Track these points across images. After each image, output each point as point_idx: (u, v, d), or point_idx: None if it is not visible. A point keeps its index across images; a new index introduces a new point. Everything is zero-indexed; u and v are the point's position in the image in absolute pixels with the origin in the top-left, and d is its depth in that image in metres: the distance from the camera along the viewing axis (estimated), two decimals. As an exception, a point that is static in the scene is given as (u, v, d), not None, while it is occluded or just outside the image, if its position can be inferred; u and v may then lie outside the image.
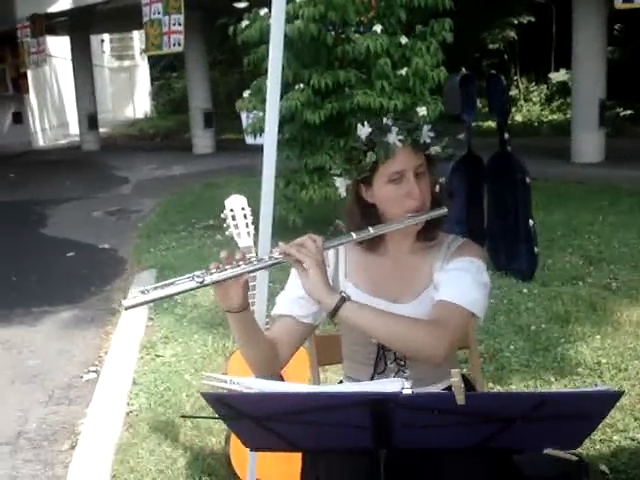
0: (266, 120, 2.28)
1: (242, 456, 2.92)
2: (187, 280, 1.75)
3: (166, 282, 1.74)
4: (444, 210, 2.00)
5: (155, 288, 1.73)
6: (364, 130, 2.00)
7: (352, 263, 2.12)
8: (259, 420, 1.46)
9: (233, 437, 3.05)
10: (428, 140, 2.00)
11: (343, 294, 1.85)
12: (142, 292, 1.72)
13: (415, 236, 2.07)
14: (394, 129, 1.96)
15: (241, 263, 1.80)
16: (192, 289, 1.76)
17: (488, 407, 1.40)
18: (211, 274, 1.77)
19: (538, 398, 1.36)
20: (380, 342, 1.99)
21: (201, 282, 1.74)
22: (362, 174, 2.00)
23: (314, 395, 1.45)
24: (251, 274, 2.63)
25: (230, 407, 1.44)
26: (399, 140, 1.95)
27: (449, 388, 2.02)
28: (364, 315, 1.87)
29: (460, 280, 1.96)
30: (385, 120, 2.01)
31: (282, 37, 2.16)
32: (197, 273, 1.76)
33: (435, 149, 2.03)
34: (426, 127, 2.00)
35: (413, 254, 2.09)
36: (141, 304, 1.73)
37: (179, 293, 1.77)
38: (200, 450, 3.60)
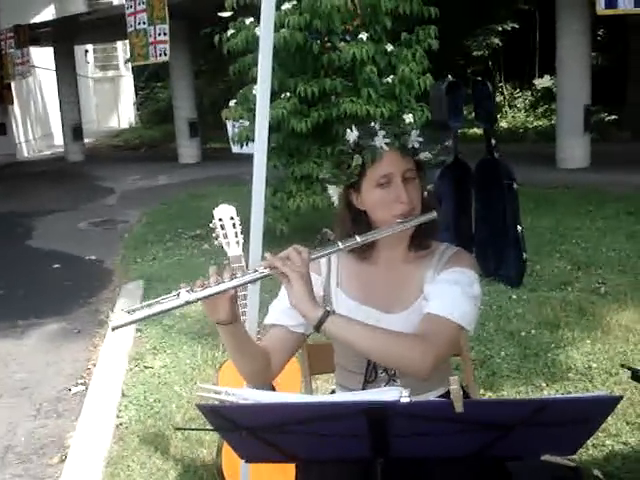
0: (256, 130, 2.27)
1: (234, 468, 2.90)
2: (173, 298, 1.76)
3: (151, 301, 1.75)
4: (433, 214, 1.98)
5: (142, 307, 1.74)
6: (352, 134, 2.01)
7: (344, 271, 2.10)
8: (255, 431, 1.44)
9: (225, 448, 3.02)
10: (417, 145, 2.00)
11: (327, 308, 1.85)
12: (128, 312, 1.73)
13: (407, 244, 2.06)
14: (381, 133, 1.96)
15: (226, 279, 1.79)
16: (178, 307, 1.77)
17: (487, 414, 1.39)
18: (196, 291, 1.77)
19: (537, 404, 1.35)
20: (365, 356, 1.97)
21: (186, 300, 1.75)
22: (350, 179, 2.00)
23: (311, 405, 1.44)
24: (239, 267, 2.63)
25: (225, 418, 1.42)
26: (386, 143, 1.95)
27: (443, 396, 2.01)
28: (348, 329, 1.86)
29: (450, 293, 1.94)
30: (373, 124, 2.01)
31: (271, 46, 2.15)
32: (182, 291, 1.76)
33: (425, 155, 2.02)
34: (414, 132, 2.00)
35: (405, 263, 2.07)
36: (128, 324, 1.75)
37: (165, 311, 1.77)
38: (191, 462, 3.57)
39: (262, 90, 2.19)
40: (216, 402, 1.60)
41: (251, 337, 2.06)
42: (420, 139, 2.00)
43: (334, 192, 2.08)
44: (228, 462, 3.02)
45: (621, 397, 1.36)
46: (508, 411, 1.39)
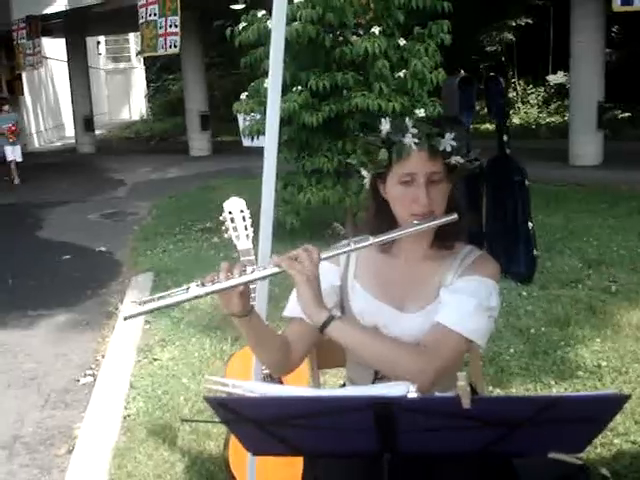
0: (267, 123, 2.26)
1: (241, 460, 2.90)
2: (183, 291, 1.78)
3: (162, 294, 1.78)
4: (453, 216, 1.92)
5: (153, 299, 1.76)
6: (384, 126, 1.96)
7: (363, 262, 2.09)
8: (262, 424, 1.44)
9: (232, 441, 3.02)
10: (449, 148, 1.92)
11: (332, 312, 1.84)
12: (140, 303, 1.75)
13: (430, 242, 2.03)
14: (412, 131, 1.91)
15: (236, 275, 1.79)
16: (188, 300, 1.80)
17: (494, 411, 1.37)
18: (205, 285, 1.78)
19: (545, 402, 1.34)
20: (365, 363, 1.96)
21: (196, 294, 1.78)
22: (377, 170, 1.97)
23: (318, 399, 1.43)
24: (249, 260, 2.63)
25: (232, 411, 1.41)
26: (414, 143, 1.90)
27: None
28: (351, 335, 1.85)
29: (465, 305, 1.90)
30: (407, 121, 1.95)
31: (283, 39, 2.13)
32: (192, 285, 1.78)
33: (457, 159, 1.94)
34: (448, 135, 1.92)
35: (426, 260, 2.03)
36: (139, 314, 1.77)
37: (175, 304, 1.80)
38: (198, 454, 3.57)
39: (274, 83, 2.17)
40: (223, 394, 1.60)
41: (270, 327, 2.05)
42: (454, 143, 1.92)
43: (367, 176, 2.06)
44: (235, 455, 3.02)
45: (629, 396, 1.34)
46: (516, 408, 1.38)
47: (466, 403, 1.30)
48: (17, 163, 15.29)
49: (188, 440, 3.71)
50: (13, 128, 15.29)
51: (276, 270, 1.83)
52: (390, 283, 2.04)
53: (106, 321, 5.86)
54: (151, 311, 1.78)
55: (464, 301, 1.90)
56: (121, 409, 4.16)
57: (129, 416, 4.07)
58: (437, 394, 1.39)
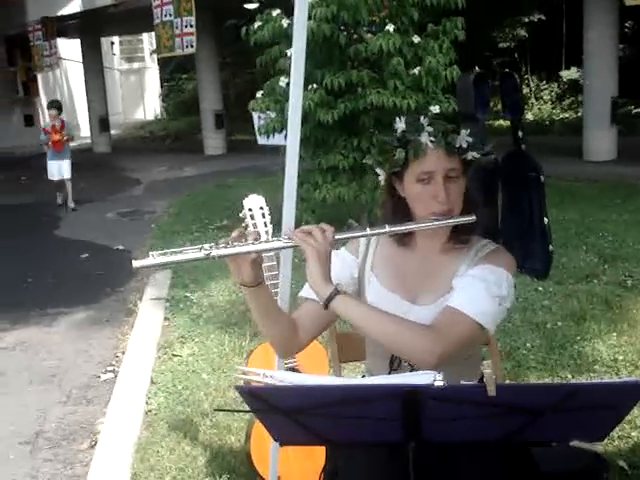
0: (289, 121, 2.28)
1: (263, 453, 2.94)
2: (195, 250, 1.81)
3: (175, 250, 1.81)
4: (472, 217, 1.94)
5: (165, 253, 1.80)
6: (399, 125, 1.98)
7: (381, 255, 2.12)
8: (291, 413, 1.47)
9: (254, 435, 3.06)
10: (465, 145, 1.95)
11: (338, 286, 1.86)
12: (152, 255, 1.78)
13: (447, 237, 2.05)
14: (428, 129, 1.93)
15: (250, 242, 1.83)
16: (199, 259, 1.83)
17: (519, 399, 1.41)
18: (218, 248, 1.81)
19: (568, 389, 1.37)
20: (372, 339, 1.98)
21: (208, 254, 1.80)
22: (394, 168, 2.00)
23: (346, 388, 1.46)
24: (269, 266, 2.66)
25: (263, 400, 1.45)
26: (431, 141, 1.92)
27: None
28: (355, 310, 1.87)
29: (473, 288, 1.92)
30: (422, 119, 1.97)
31: (304, 37, 2.16)
32: (206, 245, 1.81)
33: (473, 154, 1.97)
34: (464, 132, 1.95)
35: (442, 254, 2.06)
36: (150, 265, 1.80)
37: (186, 261, 1.84)
38: (219, 448, 3.62)
39: (295, 83, 2.21)
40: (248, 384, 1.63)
41: (277, 303, 2.09)
42: (470, 139, 1.95)
43: (382, 174, 2.08)
44: (257, 448, 3.07)
45: (651, 383, 1.38)
46: (540, 396, 1.41)
47: (491, 390, 1.33)
48: (66, 182, 11.51)
49: (209, 434, 3.76)
50: (58, 126, 11.25)
51: (290, 243, 1.87)
52: (405, 276, 2.07)
53: (125, 318, 5.92)
54: (163, 264, 1.81)
55: (473, 285, 1.93)
56: (142, 404, 4.22)
57: (150, 411, 4.13)
58: (463, 382, 1.43)
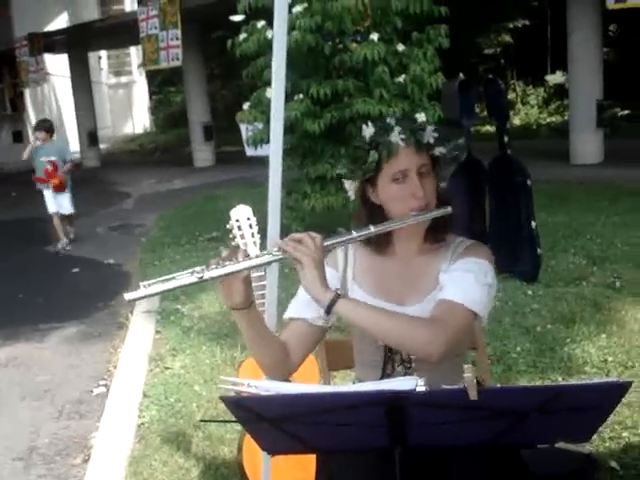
0: (271, 130, 2.31)
1: (255, 464, 2.94)
2: (187, 275, 1.78)
3: (167, 277, 1.77)
4: (448, 209, 2.01)
5: (157, 282, 1.76)
6: (368, 130, 2.03)
7: (360, 265, 2.14)
8: (277, 422, 1.49)
9: (245, 445, 3.07)
10: (432, 140, 2.01)
11: (338, 291, 1.88)
12: (144, 286, 1.75)
13: (423, 237, 2.09)
14: (397, 128, 1.98)
15: (241, 259, 1.83)
16: (192, 284, 1.79)
17: (501, 402, 1.43)
18: (210, 269, 1.79)
19: (551, 391, 1.39)
20: (377, 338, 2.00)
21: (200, 277, 1.77)
22: (367, 174, 2.03)
23: (331, 395, 1.48)
24: (258, 272, 2.66)
25: (248, 410, 1.47)
26: (401, 139, 1.97)
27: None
28: (359, 311, 1.89)
29: (463, 280, 1.98)
30: (388, 120, 2.03)
31: (285, 48, 2.19)
32: (197, 269, 1.78)
33: (439, 150, 2.04)
34: (430, 128, 2.01)
35: (421, 255, 2.10)
36: (143, 297, 1.76)
37: (179, 287, 1.79)
38: (212, 460, 3.62)
39: (277, 92, 2.23)
40: (239, 395, 1.64)
41: (268, 326, 2.09)
42: (435, 134, 2.01)
43: (350, 187, 2.11)
44: (249, 459, 3.07)
45: (631, 383, 1.40)
46: (522, 398, 1.43)
47: (473, 394, 1.35)
48: (68, 217, 9.65)
49: (202, 446, 3.76)
50: (50, 170, 9.25)
51: (280, 256, 1.86)
52: (388, 281, 2.10)
53: (117, 332, 5.92)
54: (155, 294, 1.77)
55: (462, 277, 1.98)
56: (135, 418, 4.21)
57: (143, 424, 4.13)
58: (444, 387, 1.44)
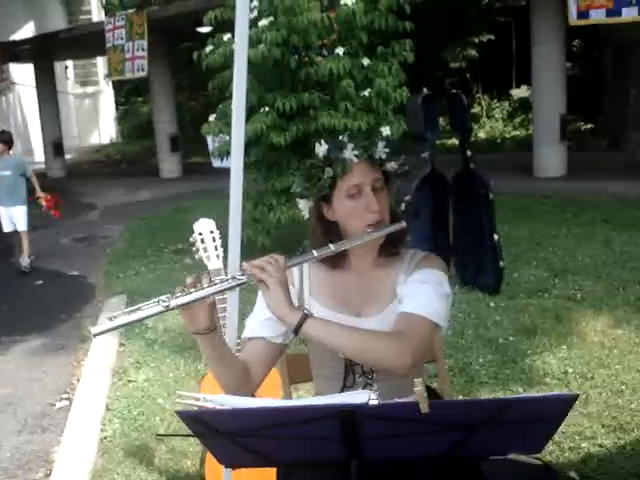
0: (232, 142, 2.34)
1: (218, 477, 2.94)
2: (153, 305, 1.78)
3: (132, 308, 1.77)
4: (402, 224, 2.06)
5: (122, 314, 1.76)
6: (322, 148, 2.07)
7: (316, 281, 2.17)
8: (233, 436, 1.50)
9: (208, 459, 3.07)
10: (383, 156, 2.07)
11: (306, 311, 1.90)
12: (109, 319, 1.75)
13: (377, 251, 2.13)
14: (350, 145, 2.03)
15: (206, 285, 1.84)
16: (159, 313, 1.79)
17: (452, 414, 1.46)
18: (177, 297, 1.80)
19: (500, 404, 1.43)
20: (345, 356, 2.04)
21: (167, 306, 1.78)
22: (322, 191, 2.06)
23: (285, 409, 1.50)
24: (220, 296, 2.66)
25: (204, 424, 1.48)
26: (355, 155, 2.02)
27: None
28: (327, 330, 1.91)
29: (422, 291, 2.02)
30: (341, 137, 2.07)
31: (246, 62, 2.22)
32: (163, 297, 1.79)
33: (391, 165, 2.10)
34: (381, 144, 2.06)
35: (376, 268, 2.14)
36: (109, 330, 1.75)
37: (146, 318, 1.79)
38: (175, 473, 3.62)
39: (237, 104, 2.26)
40: (195, 409, 1.65)
41: (230, 349, 2.11)
42: (387, 150, 2.07)
43: (304, 205, 2.15)
44: (211, 472, 3.07)
45: (577, 396, 1.44)
46: (473, 411, 1.46)
47: (424, 407, 1.38)
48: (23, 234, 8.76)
49: (165, 459, 3.76)
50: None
51: (244, 279, 1.87)
52: (346, 295, 2.13)
53: (80, 345, 5.87)
54: (122, 326, 1.77)
55: (421, 288, 2.02)
56: (98, 431, 4.19)
57: (106, 438, 4.11)
58: (397, 400, 1.47)
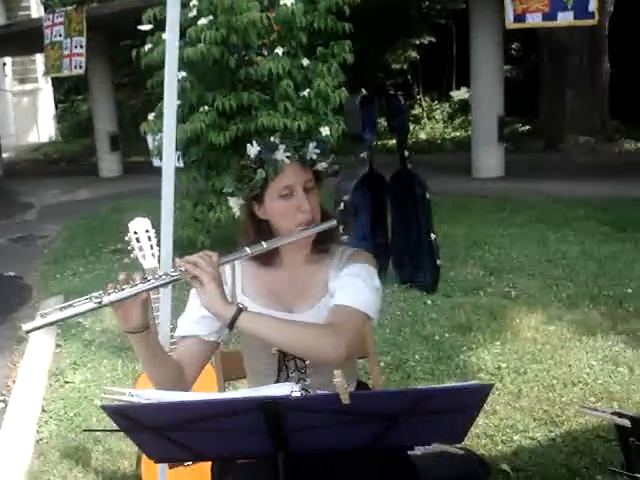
0: (164, 140, 2.36)
1: (153, 477, 2.95)
2: (85, 301, 1.78)
3: (64, 304, 1.77)
4: (333, 222, 2.11)
5: (54, 310, 1.75)
6: (253, 149, 2.10)
7: (248, 278, 2.20)
8: (159, 430, 1.52)
9: (144, 458, 3.07)
10: (314, 156, 2.12)
11: (240, 305, 1.93)
12: (41, 315, 1.75)
13: (309, 248, 2.18)
14: (281, 146, 2.07)
15: (138, 282, 1.85)
16: (91, 310, 1.79)
17: (373, 405, 1.50)
18: (109, 294, 1.81)
19: (417, 394, 1.47)
20: (280, 349, 2.07)
21: (99, 302, 1.78)
22: (253, 191, 2.09)
23: (209, 402, 1.52)
24: (152, 294, 2.67)
25: (130, 419, 1.49)
26: (286, 157, 2.06)
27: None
28: (261, 323, 1.94)
29: (353, 285, 2.07)
30: (273, 139, 2.11)
31: (176, 63, 2.23)
32: (95, 294, 1.79)
33: (322, 165, 2.15)
34: (312, 144, 2.11)
35: (308, 264, 2.19)
36: (41, 327, 1.75)
37: (78, 314, 1.79)
38: (112, 474, 3.61)
39: (168, 102, 2.27)
40: (122, 404, 1.66)
41: (163, 347, 2.12)
42: (317, 150, 2.12)
43: (235, 204, 2.17)
44: (147, 471, 3.08)
45: (492, 386, 1.49)
46: (392, 402, 1.51)
47: (345, 399, 1.41)
48: None
49: (102, 460, 3.74)
50: None
51: (177, 275, 1.89)
52: (278, 291, 2.17)
53: (16, 346, 5.78)
54: (54, 323, 1.77)
55: (352, 282, 2.08)
56: (34, 433, 4.15)
57: (42, 440, 4.07)
58: (319, 392, 1.51)
